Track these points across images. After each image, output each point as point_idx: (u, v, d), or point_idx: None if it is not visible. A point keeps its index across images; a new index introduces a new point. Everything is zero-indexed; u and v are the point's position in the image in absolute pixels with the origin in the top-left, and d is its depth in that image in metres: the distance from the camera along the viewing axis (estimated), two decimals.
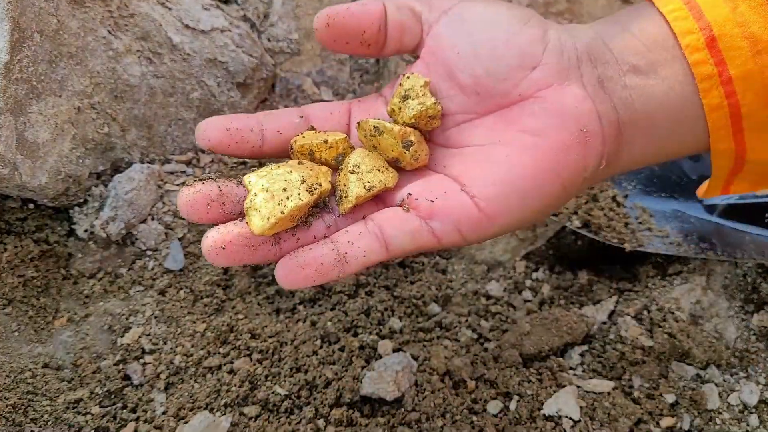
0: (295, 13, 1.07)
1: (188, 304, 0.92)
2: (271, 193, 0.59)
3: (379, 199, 0.64)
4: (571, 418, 0.83)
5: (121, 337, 0.88)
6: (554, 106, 0.58)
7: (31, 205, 0.89)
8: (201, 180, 0.57)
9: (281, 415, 0.85)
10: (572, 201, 1.02)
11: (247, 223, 0.57)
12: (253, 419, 0.83)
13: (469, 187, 0.59)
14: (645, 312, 0.96)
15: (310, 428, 0.83)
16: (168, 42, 0.93)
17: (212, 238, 0.55)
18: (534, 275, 1.04)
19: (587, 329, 0.94)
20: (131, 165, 0.93)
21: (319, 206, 0.63)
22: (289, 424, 0.83)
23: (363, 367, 0.91)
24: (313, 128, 0.65)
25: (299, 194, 0.60)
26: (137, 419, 0.82)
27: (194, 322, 0.91)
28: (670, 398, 0.89)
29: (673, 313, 0.95)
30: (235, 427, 0.81)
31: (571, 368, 0.91)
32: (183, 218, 0.95)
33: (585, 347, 0.94)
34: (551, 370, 0.89)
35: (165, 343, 0.88)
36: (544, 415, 0.83)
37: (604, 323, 0.96)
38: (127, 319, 0.89)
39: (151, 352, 0.88)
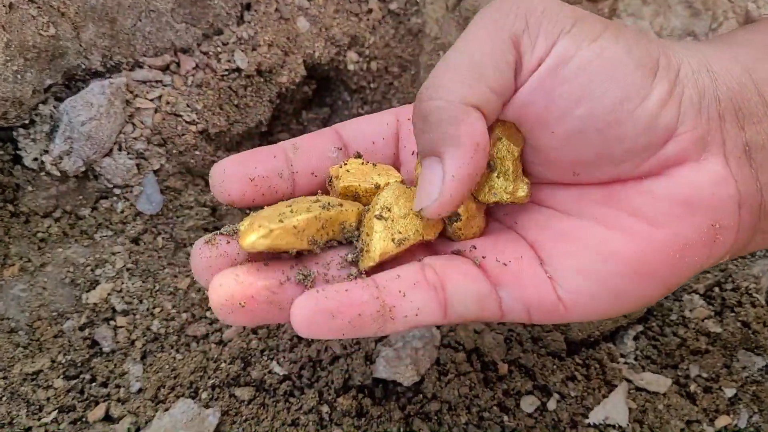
0: None
1: (168, 254, 0.75)
2: (275, 209, 0.42)
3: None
4: (619, 427, 0.71)
5: (87, 293, 0.73)
6: (683, 190, 0.41)
7: None
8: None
9: (279, 398, 0.72)
10: None
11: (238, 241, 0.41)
12: (245, 403, 0.70)
13: (549, 267, 0.44)
14: (717, 289, 0.80)
15: (311, 419, 0.70)
16: None
17: (227, 289, 0.40)
18: None
19: (646, 308, 0.79)
20: (90, 75, 0.71)
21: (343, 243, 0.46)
22: (288, 411, 0.71)
23: (377, 341, 0.77)
24: (359, 155, 0.51)
25: (308, 207, 0.43)
26: (108, 397, 0.70)
27: (175, 277, 0.75)
28: (729, 392, 0.77)
29: (750, 294, 0.79)
30: (225, 416, 0.69)
31: (622, 356, 0.78)
32: (159, 145, 0.76)
33: (640, 328, 0.80)
34: (600, 362, 0.76)
35: (140, 302, 0.73)
36: (589, 423, 0.71)
37: (666, 297, 0.81)
38: (92, 271, 0.73)
39: (124, 313, 0.73)
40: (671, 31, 0.86)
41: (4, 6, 0.62)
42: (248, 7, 0.80)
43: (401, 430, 0.70)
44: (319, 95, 0.91)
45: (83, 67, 0.72)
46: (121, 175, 0.72)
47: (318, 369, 0.74)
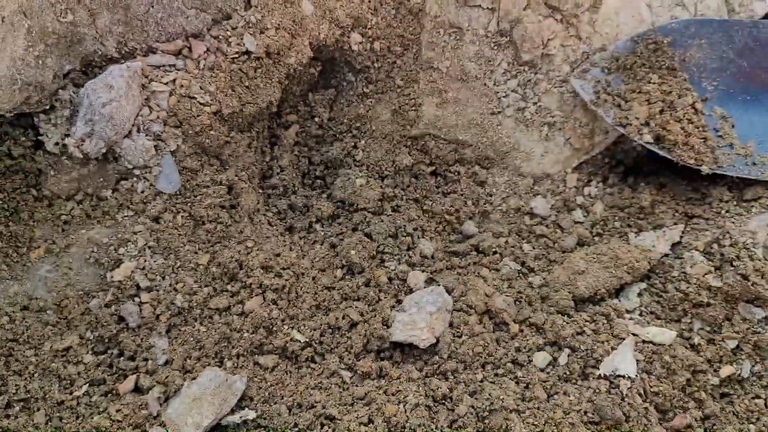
0: None
1: (187, 231, 0.78)
2: None
3: None
4: (628, 377, 0.74)
5: (111, 271, 0.75)
6: None
7: None
8: None
9: (301, 365, 0.75)
10: (644, 108, 0.85)
11: None
12: (269, 370, 0.73)
13: None
14: (715, 246, 0.83)
15: (334, 382, 0.73)
16: None
17: None
18: (586, 190, 0.90)
19: (649, 266, 0.82)
20: (106, 61, 0.74)
21: None
22: (311, 376, 0.74)
23: (392, 307, 0.80)
24: None
25: None
26: (137, 369, 0.72)
27: (196, 253, 0.78)
28: (731, 343, 0.80)
29: (748, 248, 0.82)
30: (251, 382, 0.71)
31: (627, 311, 0.81)
32: (175, 127, 0.78)
33: (644, 285, 0.83)
34: (607, 317, 0.79)
35: (163, 278, 0.76)
36: (599, 374, 0.74)
37: (667, 255, 0.84)
38: (116, 250, 0.76)
39: (148, 289, 0.75)
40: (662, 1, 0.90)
41: None
42: None
43: (420, 388, 0.72)
44: (325, 77, 0.94)
45: (99, 53, 0.74)
46: (141, 156, 0.75)
47: (337, 335, 0.77)
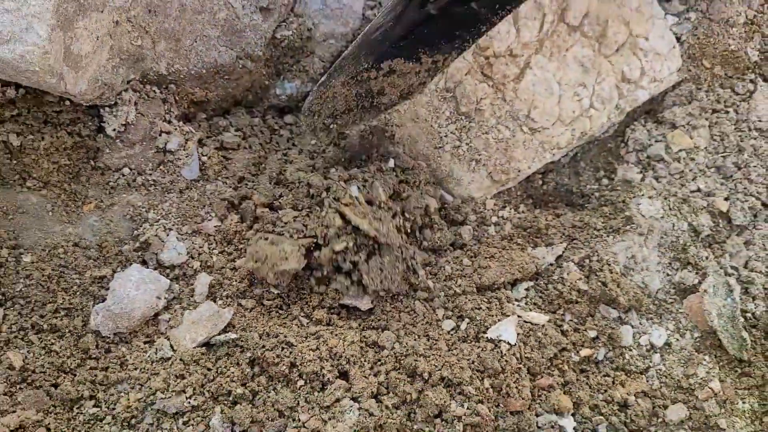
0: None
1: (204, 206, 1.06)
2: None
3: None
4: (508, 342, 1.01)
5: (140, 226, 1.02)
6: None
7: (67, 102, 0.99)
8: None
9: (272, 309, 1.01)
10: None
11: None
12: (248, 310, 1.00)
13: None
14: (587, 260, 1.13)
15: (295, 323, 1.00)
16: None
17: None
18: (500, 213, 1.20)
19: (536, 269, 1.11)
20: (158, 76, 1.03)
21: None
22: (278, 317, 1.00)
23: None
24: None
25: None
26: None
27: (210, 220, 1.05)
28: (592, 333, 1.08)
29: (609, 264, 1.12)
30: (235, 315, 0.98)
31: (516, 300, 1.09)
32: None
33: (531, 283, 1.11)
34: (500, 300, 1.07)
35: (180, 241, 1.03)
36: (487, 337, 1.01)
37: (552, 264, 1.13)
38: (146, 212, 1.03)
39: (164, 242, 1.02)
40: (568, 81, 1.21)
41: (113, 22, 0.94)
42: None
43: (357, 334, 0.99)
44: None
45: (154, 69, 1.03)
46: (173, 147, 1.03)
47: (302, 293, 1.04)
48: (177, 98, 1.07)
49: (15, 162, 0.99)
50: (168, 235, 1.01)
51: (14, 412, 0.84)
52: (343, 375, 0.95)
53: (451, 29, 1.01)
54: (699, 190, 1.23)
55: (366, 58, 1.04)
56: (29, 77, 0.86)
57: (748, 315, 1.11)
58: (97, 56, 0.93)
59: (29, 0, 0.83)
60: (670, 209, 1.19)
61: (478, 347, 1.01)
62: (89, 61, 0.92)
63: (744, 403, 1.07)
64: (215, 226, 1.03)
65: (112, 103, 1.01)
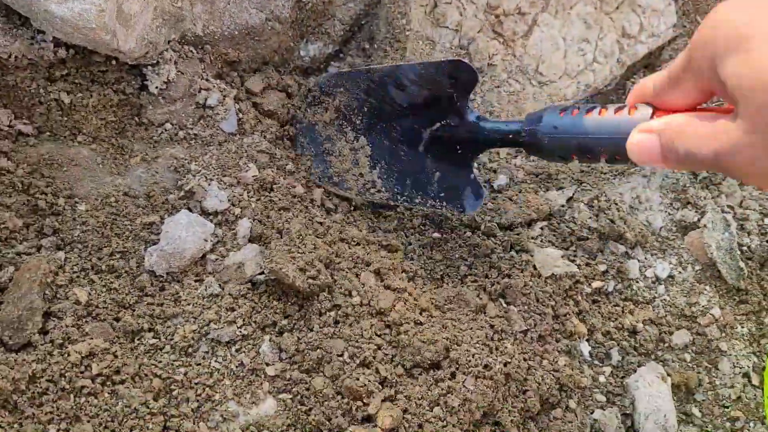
0: None
1: (238, 156, 1.13)
2: None
3: None
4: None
5: (184, 177, 1.10)
6: None
7: (113, 62, 1.06)
8: None
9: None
10: None
11: None
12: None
13: None
14: (595, 201, 1.22)
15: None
16: None
17: None
18: (512, 161, 1.29)
19: (549, 210, 1.20)
20: (195, 37, 1.11)
21: None
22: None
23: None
24: None
25: None
26: None
27: (244, 169, 1.13)
28: (602, 267, 1.17)
29: (616, 204, 1.21)
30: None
31: (532, 238, 1.18)
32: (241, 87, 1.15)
33: (545, 223, 1.20)
34: (519, 237, 1.16)
35: (219, 185, 1.11)
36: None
37: (563, 206, 1.22)
38: (189, 163, 1.10)
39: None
40: (573, 37, 1.29)
41: None
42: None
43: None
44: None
45: (191, 30, 1.11)
46: (213, 103, 1.11)
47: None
48: (212, 58, 1.15)
49: (66, 119, 1.06)
50: (210, 185, 1.09)
51: (84, 341, 0.92)
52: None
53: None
54: None
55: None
56: (86, 34, 0.93)
57: (744, 248, 1.21)
58: (144, 16, 1.00)
59: None
60: None
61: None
62: (137, 20, 0.99)
63: (742, 327, 1.17)
64: (253, 176, 1.11)
65: (155, 62, 1.08)
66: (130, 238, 1.04)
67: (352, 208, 1.19)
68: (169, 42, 1.09)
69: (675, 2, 1.37)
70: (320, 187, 1.17)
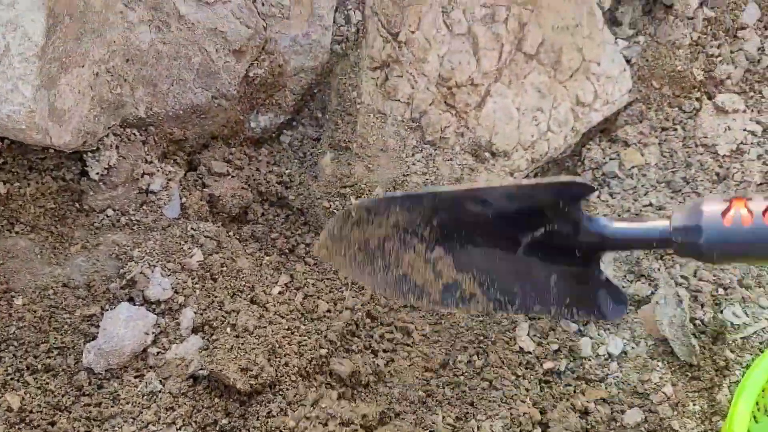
0: None
1: (181, 241, 1.11)
2: None
3: None
4: None
5: (126, 264, 1.07)
6: None
7: (51, 150, 1.04)
8: None
9: None
10: None
11: None
12: None
13: None
14: None
15: None
16: (176, 12, 1.05)
17: None
18: None
19: None
20: (137, 119, 1.08)
21: None
22: None
23: None
24: None
25: None
26: None
27: (187, 252, 1.11)
28: (554, 346, 1.16)
29: None
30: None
31: None
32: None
33: None
34: None
35: (161, 272, 1.08)
36: None
37: None
38: (131, 250, 1.08)
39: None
40: (527, 106, 1.28)
41: (93, 74, 0.99)
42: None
43: None
44: None
45: (133, 114, 1.08)
46: (156, 189, 1.09)
47: None
48: (156, 139, 1.13)
49: (2, 208, 1.03)
50: (153, 272, 1.07)
51: None
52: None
53: None
54: (651, 204, 1.32)
55: None
56: (16, 134, 0.91)
57: (697, 322, 1.20)
58: (80, 108, 0.98)
59: (14, 63, 0.87)
60: None
61: None
62: (72, 114, 0.97)
63: (694, 405, 1.17)
64: (198, 261, 1.09)
65: (95, 148, 1.05)
66: (69, 333, 1.02)
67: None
68: (109, 128, 1.06)
69: (630, 68, 1.37)
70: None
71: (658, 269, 1.25)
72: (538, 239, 0.91)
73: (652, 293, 1.23)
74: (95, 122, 1.02)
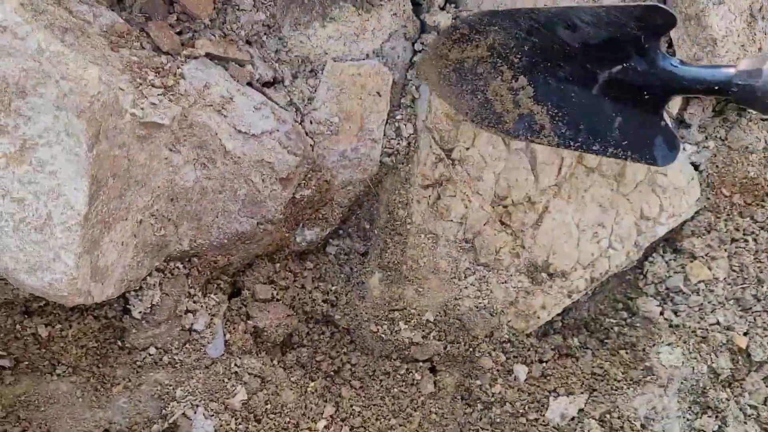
0: (338, 98, 1.12)
1: (225, 380, 1.07)
2: None
3: None
4: None
5: (168, 405, 1.04)
6: None
7: None
8: None
9: None
10: None
11: None
12: None
13: None
14: (608, 416, 1.14)
15: None
16: (222, 149, 1.01)
17: None
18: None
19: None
20: (181, 253, 1.04)
21: None
22: None
23: None
24: None
25: None
26: None
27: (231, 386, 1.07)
28: None
29: (630, 420, 1.13)
30: None
31: None
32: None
33: None
34: None
35: (206, 419, 1.05)
36: None
37: (571, 421, 1.15)
38: (174, 389, 1.05)
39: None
40: (587, 222, 1.21)
41: (137, 222, 0.95)
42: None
43: None
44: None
45: (178, 249, 1.04)
46: (199, 328, 1.05)
47: None
48: (200, 268, 1.09)
49: (44, 350, 1.01)
50: (195, 413, 1.03)
51: None
52: None
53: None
54: (718, 323, 1.24)
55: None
56: (57, 299, 0.87)
57: None
58: (122, 260, 0.94)
59: (56, 233, 0.84)
60: (690, 353, 1.19)
61: None
62: (115, 267, 0.93)
63: None
64: (242, 401, 1.05)
65: (137, 287, 1.02)
66: None
67: None
68: (152, 268, 1.03)
69: (698, 174, 1.28)
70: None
71: (726, 399, 1.17)
72: (615, 76, 1.01)
73: (719, 427, 1.15)
74: (138, 268, 0.98)
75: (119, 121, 0.86)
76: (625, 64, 0.99)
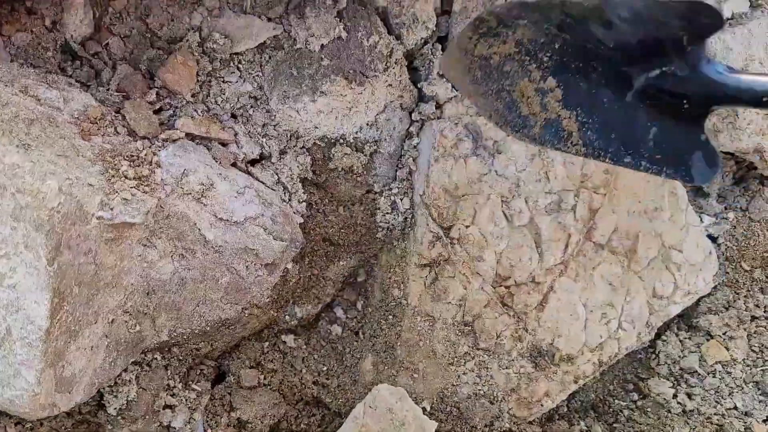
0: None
1: None
2: None
3: None
4: None
5: None
6: None
7: None
8: None
9: None
10: None
11: None
12: None
13: None
14: None
15: None
16: (201, 239, 0.94)
17: None
18: None
19: None
20: (159, 345, 0.98)
21: None
22: None
23: None
24: None
25: None
26: None
27: None
28: None
29: None
30: None
31: None
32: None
33: None
34: None
35: None
36: None
37: None
38: None
39: None
40: (595, 302, 1.13)
41: (108, 323, 0.89)
42: None
43: None
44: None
45: (155, 342, 0.98)
46: (178, 425, 0.99)
47: None
48: (181, 357, 1.03)
49: None
50: None
51: None
52: None
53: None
54: (736, 408, 1.16)
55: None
56: (19, 414, 0.82)
57: None
58: (92, 363, 0.88)
59: (15, 349, 0.78)
60: None
61: None
62: (83, 374, 0.87)
63: None
64: None
65: (112, 384, 0.96)
66: None
67: None
68: (127, 365, 0.97)
69: (716, 247, 1.19)
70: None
71: None
72: (652, 82, 0.90)
73: None
74: (111, 368, 0.92)
75: (84, 228, 0.80)
76: (664, 69, 0.90)
